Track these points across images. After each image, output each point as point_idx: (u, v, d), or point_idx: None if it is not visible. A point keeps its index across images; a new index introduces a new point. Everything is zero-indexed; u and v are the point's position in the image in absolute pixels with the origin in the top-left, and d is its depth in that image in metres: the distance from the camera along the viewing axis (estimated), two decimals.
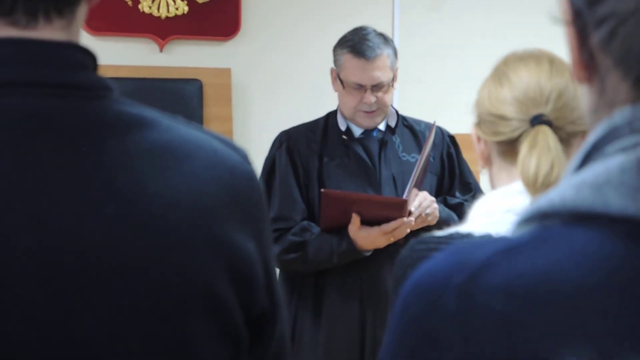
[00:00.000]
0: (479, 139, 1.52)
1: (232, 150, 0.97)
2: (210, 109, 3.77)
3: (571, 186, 0.63)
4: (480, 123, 1.51)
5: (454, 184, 2.77)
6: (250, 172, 0.98)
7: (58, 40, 0.89)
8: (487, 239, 0.66)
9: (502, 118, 1.44)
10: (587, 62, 0.66)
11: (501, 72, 1.48)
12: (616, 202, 0.60)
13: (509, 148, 1.44)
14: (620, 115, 0.64)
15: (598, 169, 0.62)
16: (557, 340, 0.58)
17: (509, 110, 1.43)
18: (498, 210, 1.42)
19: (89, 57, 0.91)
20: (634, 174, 0.60)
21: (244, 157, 0.99)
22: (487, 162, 1.53)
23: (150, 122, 0.91)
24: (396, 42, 4.01)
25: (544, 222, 0.64)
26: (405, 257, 1.47)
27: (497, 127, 1.45)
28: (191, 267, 0.89)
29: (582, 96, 0.70)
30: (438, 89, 4.04)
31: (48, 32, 0.88)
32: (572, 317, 0.58)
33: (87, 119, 0.87)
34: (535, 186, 1.31)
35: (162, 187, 0.88)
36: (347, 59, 2.64)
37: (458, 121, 3.82)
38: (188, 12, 3.80)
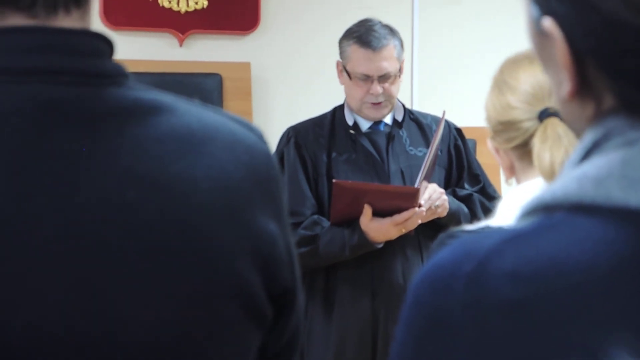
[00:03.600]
0: (497, 151, 1.56)
1: (248, 131, 0.98)
2: (230, 103, 3.79)
3: (573, 179, 0.65)
4: (494, 135, 1.55)
5: (463, 176, 2.76)
6: (267, 151, 0.98)
7: (74, 28, 0.89)
8: (492, 230, 0.67)
9: (512, 123, 1.48)
10: (582, 81, 0.67)
11: (500, 81, 1.53)
12: (618, 195, 0.62)
13: (526, 150, 1.48)
14: (618, 117, 0.66)
15: (600, 162, 0.64)
16: (564, 322, 0.59)
17: (517, 114, 1.48)
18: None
19: (105, 44, 0.91)
20: (635, 167, 0.62)
21: (260, 136, 0.99)
22: (511, 171, 1.57)
23: (167, 107, 0.92)
24: (416, 37, 4.01)
25: (547, 213, 0.66)
26: (434, 251, 1.48)
27: (510, 133, 1.49)
28: (215, 249, 0.90)
29: (568, 109, 0.70)
30: (458, 83, 4.03)
31: (67, 22, 0.89)
32: (579, 300, 0.59)
33: (105, 106, 0.88)
34: (553, 177, 1.33)
35: (183, 171, 0.89)
36: (354, 49, 2.64)
37: (478, 115, 3.82)
38: (207, 6, 3.81)
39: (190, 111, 0.94)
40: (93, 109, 0.88)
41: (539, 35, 0.69)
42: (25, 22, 0.88)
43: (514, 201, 1.47)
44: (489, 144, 1.58)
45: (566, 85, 0.67)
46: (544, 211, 0.66)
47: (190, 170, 0.89)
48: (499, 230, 0.66)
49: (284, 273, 0.97)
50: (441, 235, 1.48)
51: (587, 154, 0.67)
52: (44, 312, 0.83)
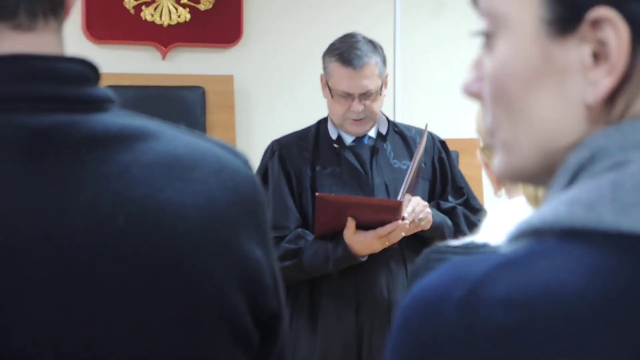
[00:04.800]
0: (486, 165, 1.55)
1: (233, 157, 0.99)
2: (213, 116, 3.78)
3: (563, 202, 0.64)
4: (483, 148, 1.54)
5: (447, 188, 2.77)
6: (252, 177, 0.99)
7: (60, 55, 0.91)
8: (482, 255, 0.66)
9: None
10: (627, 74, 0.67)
11: None
12: (610, 219, 0.61)
13: None
14: (604, 135, 0.65)
15: (589, 186, 0.63)
16: (558, 350, 0.58)
17: None
18: (513, 219, 1.43)
19: (91, 70, 0.92)
20: (625, 191, 0.61)
21: (245, 162, 1.00)
22: (499, 183, 1.55)
23: (154, 134, 0.93)
24: (397, 48, 4.02)
25: (537, 238, 0.65)
26: (419, 266, 1.48)
27: None
28: (203, 275, 0.90)
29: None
30: (439, 93, 4.05)
31: (47, 34, 0.90)
32: (572, 327, 0.59)
33: (92, 133, 0.89)
34: (537, 201, 1.33)
35: (171, 197, 0.90)
36: (335, 67, 2.64)
37: (459, 125, 3.84)
38: (190, 19, 3.81)
39: (176, 138, 0.94)
40: (80, 136, 0.88)
41: (547, 41, 0.68)
42: (8, 37, 0.89)
43: (499, 217, 1.48)
44: (478, 157, 1.58)
45: (606, 83, 0.65)
46: (534, 235, 0.65)
47: (179, 196, 0.90)
48: (490, 255, 0.65)
49: (270, 299, 0.97)
50: (426, 251, 1.47)
51: (573, 177, 0.66)
52: (34, 338, 0.83)
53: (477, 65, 0.75)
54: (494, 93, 0.72)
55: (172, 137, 0.94)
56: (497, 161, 0.74)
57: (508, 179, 0.76)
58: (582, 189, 0.64)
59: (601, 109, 0.67)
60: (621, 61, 0.65)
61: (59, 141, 0.87)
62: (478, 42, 0.75)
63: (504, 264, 0.63)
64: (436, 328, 0.63)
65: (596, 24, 0.65)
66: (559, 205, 0.64)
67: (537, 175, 0.72)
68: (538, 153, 0.70)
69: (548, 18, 0.68)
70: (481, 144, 1.56)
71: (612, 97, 0.66)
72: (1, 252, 0.83)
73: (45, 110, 0.87)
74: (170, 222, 0.89)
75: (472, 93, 0.75)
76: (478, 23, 0.74)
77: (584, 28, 0.66)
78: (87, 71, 0.91)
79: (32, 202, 0.84)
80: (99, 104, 0.91)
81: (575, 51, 0.67)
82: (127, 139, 0.90)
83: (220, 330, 0.92)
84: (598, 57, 0.66)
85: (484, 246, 1.39)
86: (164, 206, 0.89)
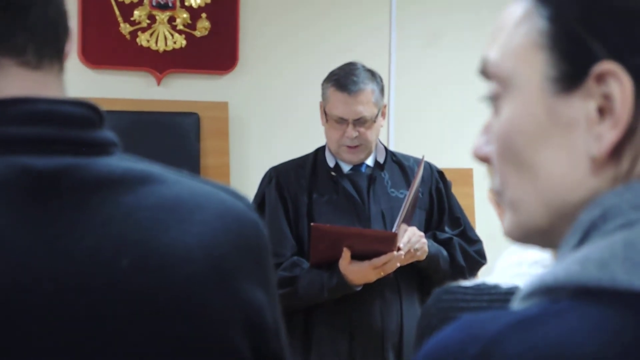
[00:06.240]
0: (498, 204, 1.53)
1: (237, 200, 0.99)
2: (208, 143, 3.78)
3: (575, 262, 0.64)
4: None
5: (443, 219, 2.78)
6: (256, 220, 1.00)
7: (66, 99, 0.92)
8: (495, 313, 0.66)
9: None
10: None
11: None
12: (623, 277, 0.62)
13: None
14: (615, 193, 0.66)
15: (601, 245, 0.64)
16: None
17: None
18: (525, 261, 1.42)
19: (95, 113, 0.93)
20: (637, 250, 0.62)
21: (248, 205, 1.01)
22: None
23: (157, 177, 0.94)
24: (392, 78, 4.04)
25: (550, 296, 0.65)
26: (430, 306, 1.47)
27: None
28: (206, 318, 0.90)
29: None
30: (433, 123, 4.06)
31: (51, 75, 0.93)
32: None
33: (97, 176, 0.90)
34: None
35: (174, 240, 0.90)
36: (331, 92, 2.66)
37: (454, 156, 3.85)
38: (186, 45, 3.82)
39: (179, 181, 0.96)
40: (85, 179, 0.89)
41: (553, 98, 0.69)
42: (17, 74, 0.90)
43: (511, 259, 1.47)
44: (489, 196, 1.57)
45: (610, 136, 0.67)
46: (546, 294, 0.66)
47: (183, 238, 0.90)
48: (502, 314, 0.66)
49: (272, 342, 0.97)
50: (437, 290, 1.47)
51: (585, 235, 0.67)
52: None
53: (487, 129, 0.76)
54: (501, 151, 0.73)
55: (175, 180, 0.95)
56: (506, 222, 0.75)
57: (517, 240, 0.76)
58: (595, 248, 0.64)
59: (607, 163, 0.67)
60: (625, 114, 0.66)
61: (65, 184, 0.88)
62: (473, 70, 0.76)
63: (517, 323, 0.63)
64: None
65: (601, 78, 0.66)
66: (571, 264, 0.64)
67: (545, 234, 0.72)
68: (545, 210, 0.71)
69: (553, 76, 0.69)
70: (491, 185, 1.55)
71: (618, 151, 0.67)
72: (7, 294, 0.83)
73: (51, 153, 0.88)
74: (174, 264, 0.89)
75: (482, 156, 0.76)
76: (474, 58, 0.76)
77: (589, 83, 0.67)
78: (92, 114, 0.93)
79: (37, 244, 0.85)
80: (104, 147, 0.92)
81: (581, 106, 0.68)
82: (131, 182, 0.91)
83: None
84: (603, 111, 0.67)
85: (495, 287, 1.39)
86: (168, 248, 0.89)
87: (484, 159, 0.76)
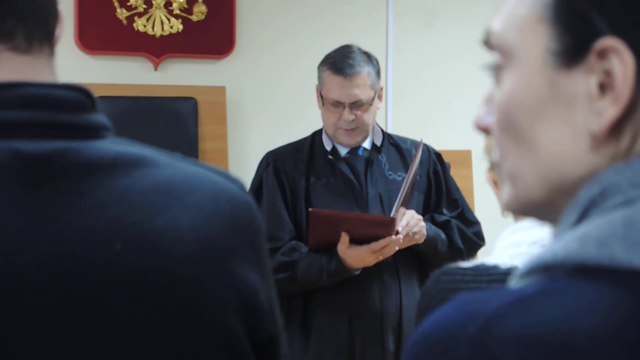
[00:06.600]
0: (495, 183, 1.54)
1: (229, 182, 0.99)
2: (205, 127, 3.78)
3: (574, 239, 0.64)
4: (492, 167, 1.53)
5: (441, 201, 2.77)
6: (249, 202, 1.00)
7: (58, 83, 0.92)
8: (494, 292, 0.65)
9: None
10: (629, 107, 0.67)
11: None
12: (622, 255, 0.61)
13: None
14: (615, 171, 0.65)
15: (601, 222, 0.63)
16: None
17: None
18: (524, 242, 1.42)
19: (87, 97, 0.93)
20: (637, 228, 0.62)
21: (241, 187, 1.01)
22: None
23: (150, 160, 0.94)
24: (390, 58, 4.03)
25: (548, 274, 0.65)
26: (429, 288, 1.47)
27: None
28: (200, 300, 0.91)
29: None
30: (431, 104, 4.05)
31: (42, 59, 0.93)
32: None
33: (89, 159, 0.90)
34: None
35: (167, 223, 0.90)
36: (327, 75, 2.66)
37: (450, 137, 3.84)
38: (182, 30, 3.81)
39: (172, 164, 0.96)
40: (78, 163, 0.89)
41: (554, 72, 0.68)
42: (7, 58, 0.91)
43: (511, 239, 1.47)
44: (487, 176, 1.57)
45: (611, 112, 0.66)
46: (545, 272, 0.65)
47: (176, 221, 0.91)
48: (501, 292, 0.65)
49: (266, 323, 0.98)
50: (436, 272, 1.47)
51: (584, 213, 0.66)
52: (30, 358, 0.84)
53: (489, 100, 0.76)
54: (501, 123, 0.72)
55: (168, 163, 0.95)
56: (504, 193, 0.74)
57: (514, 211, 0.76)
58: (594, 226, 0.64)
59: (607, 139, 0.67)
60: (626, 91, 0.65)
61: (57, 168, 0.88)
62: (471, 54, 0.76)
63: (516, 301, 0.63)
64: None
65: (602, 54, 0.66)
66: (570, 242, 0.64)
67: (543, 208, 0.72)
68: (543, 184, 0.70)
69: (556, 49, 0.68)
70: (488, 164, 1.55)
71: (618, 128, 0.66)
72: (0, 277, 0.83)
73: (43, 137, 0.88)
74: (167, 246, 0.89)
75: (483, 127, 0.76)
76: (472, 37, 0.75)
77: (591, 58, 0.66)
78: (84, 99, 0.93)
79: (30, 228, 0.85)
80: (96, 131, 0.92)
81: (582, 81, 0.67)
82: (123, 165, 0.91)
83: (220, 354, 0.92)
84: (604, 87, 0.66)
85: (494, 268, 1.39)
86: (162, 230, 0.90)
87: (485, 130, 0.76)
